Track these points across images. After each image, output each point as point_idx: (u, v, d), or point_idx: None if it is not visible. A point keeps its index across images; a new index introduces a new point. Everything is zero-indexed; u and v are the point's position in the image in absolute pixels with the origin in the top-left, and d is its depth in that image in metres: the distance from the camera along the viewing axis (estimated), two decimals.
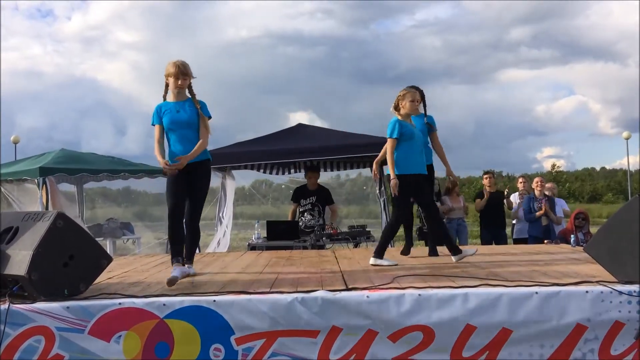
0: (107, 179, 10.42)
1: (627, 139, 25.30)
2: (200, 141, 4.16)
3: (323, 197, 7.53)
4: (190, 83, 4.20)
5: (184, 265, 4.07)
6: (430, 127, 5.26)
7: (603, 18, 77.52)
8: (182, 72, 4.11)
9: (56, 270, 3.37)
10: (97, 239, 3.97)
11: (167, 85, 4.21)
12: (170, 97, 4.23)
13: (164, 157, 4.13)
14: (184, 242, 4.18)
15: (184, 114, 4.14)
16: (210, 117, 4.26)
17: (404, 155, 4.72)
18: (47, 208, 8.72)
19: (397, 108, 4.84)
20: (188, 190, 4.16)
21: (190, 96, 4.21)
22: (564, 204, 8.21)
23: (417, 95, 4.87)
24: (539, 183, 7.79)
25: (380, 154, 5.23)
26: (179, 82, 4.12)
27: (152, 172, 10.31)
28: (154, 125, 4.22)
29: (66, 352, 3.18)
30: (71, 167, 9.53)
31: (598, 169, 52.90)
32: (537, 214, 7.55)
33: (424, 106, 5.29)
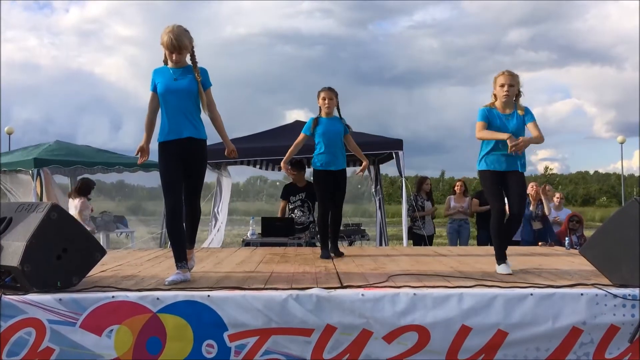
0: (101, 172, 10.39)
1: (621, 142, 25.41)
2: (219, 123, 3.97)
3: (312, 193, 7.50)
4: (192, 50, 3.78)
5: (188, 270, 3.87)
6: (345, 129, 5.24)
7: (601, 22, 77.90)
8: (175, 47, 3.65)
9: (49, 262, 3.34)
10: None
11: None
12: (170, 63, 3.80)
13: (149, 137, 3.84)
14: (185, 243, 3.95)
15: (182, 82, 3.73)
16: (210, 86, 3.89)
17: (484, 149, 4.19)
18: (41, 199, 8.67)
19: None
20: (184, 175, 3.84)
21: (191, 64, 3.80)
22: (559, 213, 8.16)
23: (510, 78, 4.10)
24: (534, 188, 7.78)
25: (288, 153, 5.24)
26: (174, 57, 3.70)
27: (147, 166, 10.27)
28: (151, 91, 3.85)
29: (57, 346, 3.15)
30: (66, 159, 9.49)
31: (592, 172, 53.20)
32: (531, 208, 7.52)
33: (338, 109, 5.25)
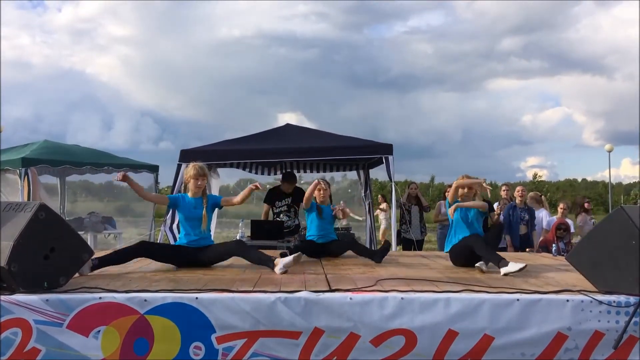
0: (90, 172, 10.31)
1: (609, 151, 25.65)
2: (238, 199, 4.94)
3: (299, 198, 7.52)
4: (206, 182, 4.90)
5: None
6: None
7: (593, 32, 78.67)
8: (200, 174, 4.80)
9: (37, 262, 3.32)
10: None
11: (186, 185, 4.94)
12: (190, 193, 4.87)
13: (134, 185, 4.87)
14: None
15: (200, 211, 4.80)
16: (221, 197, 4.99)
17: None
18: (28, 199, 8.60)
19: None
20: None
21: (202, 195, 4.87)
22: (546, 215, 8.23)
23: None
24: (521, 192, 7.83)
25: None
26: (199, 182, 4.81)
27: (136, 167, 10.23)
28: (168, 197, 5.00)
29: (43, 346, 3.14)
30: (54, 158, 9.42)
31: (580, 180, 53.64)
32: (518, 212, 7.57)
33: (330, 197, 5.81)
